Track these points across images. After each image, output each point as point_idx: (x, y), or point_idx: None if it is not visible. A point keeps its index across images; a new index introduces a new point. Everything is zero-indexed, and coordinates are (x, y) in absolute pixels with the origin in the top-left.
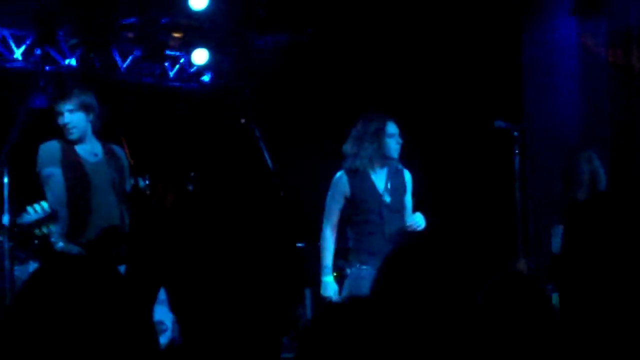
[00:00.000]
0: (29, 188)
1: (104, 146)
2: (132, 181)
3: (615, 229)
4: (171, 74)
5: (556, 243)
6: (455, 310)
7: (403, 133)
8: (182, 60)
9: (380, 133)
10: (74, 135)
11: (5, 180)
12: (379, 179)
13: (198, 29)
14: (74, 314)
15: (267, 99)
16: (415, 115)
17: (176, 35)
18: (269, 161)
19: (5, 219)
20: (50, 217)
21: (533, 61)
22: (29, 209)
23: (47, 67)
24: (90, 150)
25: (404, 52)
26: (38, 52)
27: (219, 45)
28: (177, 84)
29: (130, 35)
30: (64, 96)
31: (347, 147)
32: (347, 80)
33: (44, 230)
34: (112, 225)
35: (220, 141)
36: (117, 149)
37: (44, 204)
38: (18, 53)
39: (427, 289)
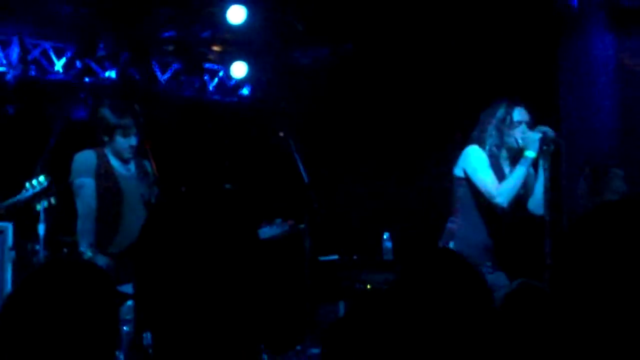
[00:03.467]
0: (66, 198)
1: (135, 160)
2: (155, 190)
3: (611, 242)
4: (210, 87)
5: None
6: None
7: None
8: (221, 74)
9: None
10: (129, 155)
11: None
12: None
13: (237, 43)
14: (56, 317)
15: (305, 113)
16: (453, 126)
17: (215, 48)
18: (304, 174)
19: (41, 229)
20: (46, 190)
21: (570, 77)
22: (27, 184)
23: (87, 80)
24: (124, 163)
25: (443, 67)
26: (78, 64)
27: (257, 59)
28: (216, 97)
29: (170, 48)
30: (134, 114)
31: None
32: (385, 95)
33: (44, 203)
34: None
35: (258, 154)
36: (147, 163)
37: (41, 178)
38: (59, 65)
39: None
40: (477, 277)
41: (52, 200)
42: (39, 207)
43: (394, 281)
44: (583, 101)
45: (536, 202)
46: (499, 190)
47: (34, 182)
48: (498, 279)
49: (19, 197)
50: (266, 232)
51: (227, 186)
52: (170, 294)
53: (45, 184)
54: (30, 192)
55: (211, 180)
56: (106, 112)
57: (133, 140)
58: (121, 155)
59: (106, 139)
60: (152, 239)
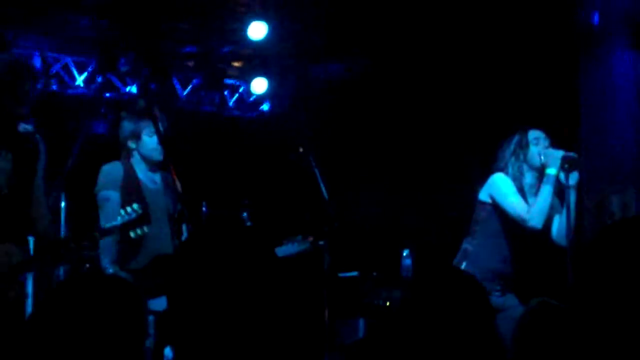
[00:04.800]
0: (86, 213)
1: (161, 174)
2: (179, 207)
3: (624, 260)
4: (230, 102)
5: None
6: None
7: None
8: (241, 89)
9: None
10: (159, 157)
11: (63, 204)
12: None
13: (257, 58)
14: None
15: (324, 129)
16: (471, 145)
17: (236, 64)
18: (324, 191)
19: None
20: (142, 218)
21: (591, 98)
22: (122, 211)
23: (108, 94)
24: (151, 176)
25: (462, 84)
26: (99, 79)
27: (277, 75)
28: (236, 112)
29: (190, 64)
30: (153, 116)
31: None
32: (404, 111)
33: (139, 232)
34: (163, 254)
35: (278, 170)
36: (170, 177)
37: (135, 206)
38: (80, 80)
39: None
40: (481, 296)
41: (146, 229)
42: (132, 234)
43: (401, 300)
44: (604, 122)
45: (560, 232)
46: (531, 213)
47: (129, 209)
48: (508, 301)
49: (116, 222)
50: (288, 249)
51: (246, 202)
52: (196, 311)
53: (140, 211)
54: (126, 218)
55: (231, 196)
56: (127, 119)
57: (153, 137)
58: (151, 158)
59: (133, 145)
60: (185, 263)
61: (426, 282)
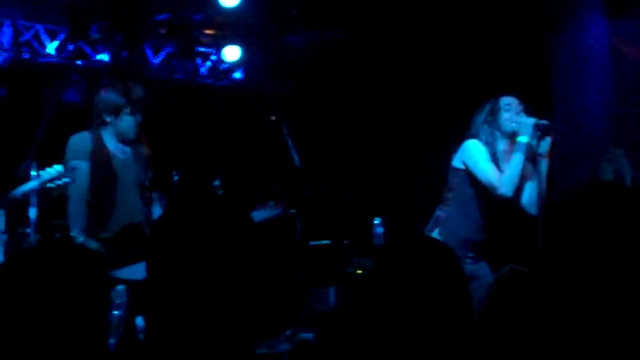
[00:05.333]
0: None
1: (131, 144)
2: (150, 174)
3: (590, 226)
4: (203, 70)
5: None
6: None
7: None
8: (213, 57)
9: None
10: (133, 136)
11: (34, 173)
12: None
13: (230, 26)
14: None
15: (297, 97)
16: (444, 114)
17: (208, 32)
18: (296, 159)
19: (32, 212)
20: (62, 176)
21: (563, 61)
22: (41, 172)
23: (79, 62)
24: (120, 146)
25: (435, 52)
26: (70, 47)
27: (250, 43)
28: (209, 80)
29: (162, 31)
30: (138, 93)
31: None
32: (379, 80)
33: (58, 182)
34: (134, 223)
35: (250, 138)
36: (141, 147)
37: (58, 167)
38: (51, 48)
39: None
40: (453, 264)
41: (67, 180)
42: (54, 193)
43: (371, 268)
44: (575, 87)
45: (531, 201)
46: (502, 181)
47: (50, 170)
48: (480, 269)
49: (33, 183)
50: (259, 214)
51: (220, 170)
52: (170, 279)
53: (62, 170)
54: (47, 177)
55: (204, 164)
56: (111, 92)
57: (139, 118)
58: (125, 135)
59: (110, 119)
60: (162, 234)
61: (396, 250)
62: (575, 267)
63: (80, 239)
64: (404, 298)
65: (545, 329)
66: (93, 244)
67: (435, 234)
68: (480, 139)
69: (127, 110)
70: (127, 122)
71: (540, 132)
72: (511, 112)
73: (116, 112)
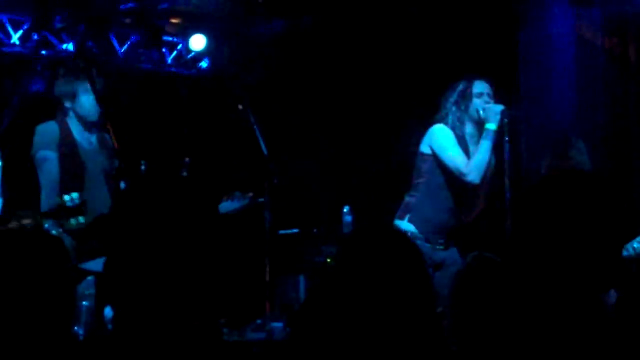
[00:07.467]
0: (22, 173)
1: (97, 134)
2: (116, 163)
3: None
4: (169, 59)
5: None
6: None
7: (397, 122)
8: (179, 46)
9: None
10: (95, 117)
11: None
12: None
13: (196, 15)
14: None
15: (264, 86)
16: (412, 104)
17: (174, 21)
18: (263, 148)
19: None
20: (79, 208)
21: (529, 50)
22: (66, 197)
23: (44, 52)
24: (87, 136)
25: (402, 42)
26: (35, 36)
27: (216, 32)
28: (175, 69)
29: (128, 20)
30: (90, 77)
31: None
32: (345, 68)
33: (72, 222)
34: (102, 214)
35: (217, 127)
36: (107, 137)
37: (75, 195)
38: (15, 37)
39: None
40: (414, 252)
41: (81, 220)
42: (73, 222)
43: (334, 258)
44: (542, 76)
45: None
46: (469, 167)
47: (67, 197)
48: (451, 255)
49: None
50: (226, 206)
51: (186, 160)
52: (135, 269)
53: (78, 202)
54: (67, 205)
55: (170, 154)
56: (64, 78)
57: (96, 97)
58: (87, 118)
59: (69, 104)
60: (121, 219)
61: (358, 239)
62: (542, 252)
63: (53, 231)
64: (364, 289)
65: (513, 315)
66: (67, 238)
67: (405, 220)
68: (447, 122)
69: (82, 90)
70: (85, 102)
71: (507, 119)
72: (481, 100)
73: (71, 95)
